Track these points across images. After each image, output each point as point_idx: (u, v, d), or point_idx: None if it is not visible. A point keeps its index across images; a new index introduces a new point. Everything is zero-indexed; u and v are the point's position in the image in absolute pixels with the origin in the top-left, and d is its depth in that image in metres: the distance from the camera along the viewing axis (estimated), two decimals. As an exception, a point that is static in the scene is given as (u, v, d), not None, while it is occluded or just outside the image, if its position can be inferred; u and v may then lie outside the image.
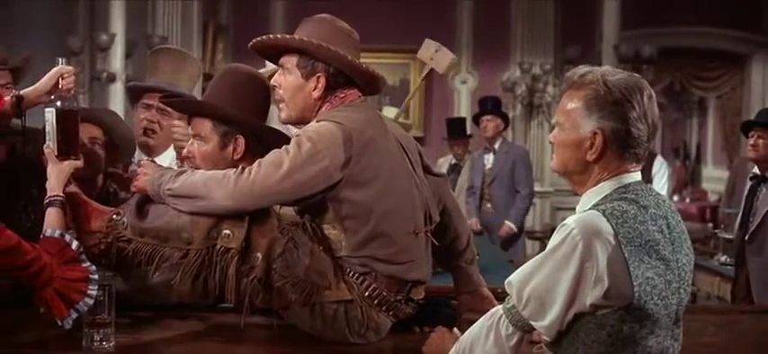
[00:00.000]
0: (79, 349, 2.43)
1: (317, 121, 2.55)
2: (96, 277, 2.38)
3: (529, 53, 10.03)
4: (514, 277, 2.05)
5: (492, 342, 2.09)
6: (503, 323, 2.08)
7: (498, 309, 2.12)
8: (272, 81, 2.71)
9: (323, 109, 2.62)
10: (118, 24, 8.58)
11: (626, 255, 1.93)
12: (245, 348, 2.58)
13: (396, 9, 9.80)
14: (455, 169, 7.54)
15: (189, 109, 2.94)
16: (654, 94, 2.07)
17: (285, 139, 2.67)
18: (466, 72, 10.35)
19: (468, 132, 7.74)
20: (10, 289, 2.84)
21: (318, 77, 2.59)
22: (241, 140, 2.71)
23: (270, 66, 2.90)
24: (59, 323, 2.33)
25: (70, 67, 2.69)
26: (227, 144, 2.72)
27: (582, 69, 2.09)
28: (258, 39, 2.67)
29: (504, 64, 10.25)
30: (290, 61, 2.62)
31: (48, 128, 2.61)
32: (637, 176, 2.07)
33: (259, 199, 2.46)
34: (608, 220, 1.95)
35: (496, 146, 7.15)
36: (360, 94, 2.67)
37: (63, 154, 2.60)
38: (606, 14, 9.76)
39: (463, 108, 10.15)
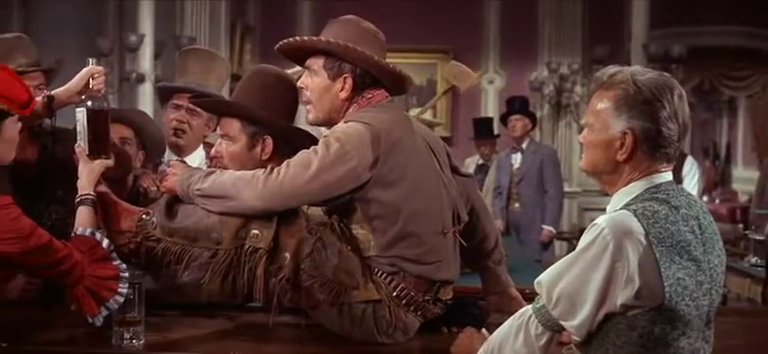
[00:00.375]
0: (109, 347, 2.45)
1: (345, 122, 2.56)
2: (127, 275, 2.40)
3: (556, 53, 9.97)
4: (544, 276, 2.04)
5: (521, 342, 2.09)
6: (532, 322, 2.07)
7: (528, 309, 2.11)
8: (298, 82, 2.72)
9: (350, 110, 2.62)
10: (146, 25, 8.64)
11: (657, 256, 1.91)
12: (273, 347, 2.59)
13: (422, 9, 9.79)
14: (482, 169, 7.53)
15: (218, 109, 2.96)
16: (684, 93, 2.05)
17: (313, 140, 2.68)
18: (493, 72, 10.32)
19: (495, 132, 7.72)
20: (41, 287, 2.89)
21: (345, 78, 2.59)
22: (269, 141, 2.73)
23: (298, 67, 2.92)
24: (90, 320, 2.35)
25: (100, 68, 2.72)
26: (256, 144, 2.73)
27: (611, 69, 2.08)
28: (285, 41, 2.68)
29: (532, 63, 10.20)
30: (316, 63, 2.63)
31: (78, 128, 2.64)
32: (668, 176, 2.06)
33: (288, 199, 2.47)
34: (639, 220, 1.94)
35: (524, 145, 7.13)
36: (387, 95, 2.67)
37: (94, 153, 2.62)
38: (635, 13, 9.68)
39: (490, 108, 10.13)
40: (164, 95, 3.65)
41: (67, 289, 2.35)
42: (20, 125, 2.39)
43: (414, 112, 7.63)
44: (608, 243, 1.92)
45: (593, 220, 2.00)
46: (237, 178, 2.49)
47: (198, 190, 2.52)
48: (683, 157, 6.65)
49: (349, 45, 2.55)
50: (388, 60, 2.65)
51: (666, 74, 2.10)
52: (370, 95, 2.62)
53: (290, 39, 2.68)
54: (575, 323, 1.99)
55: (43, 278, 2.60)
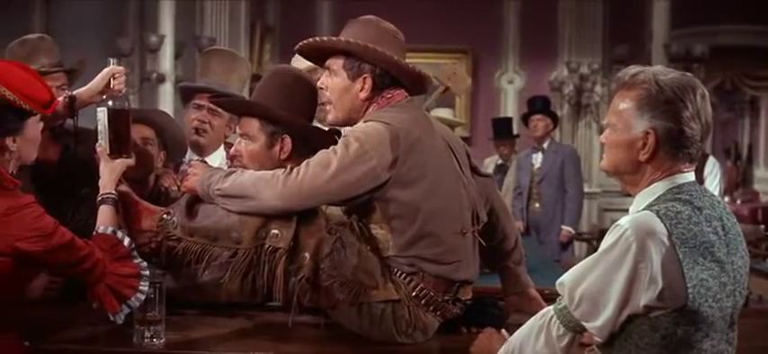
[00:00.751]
0: (130, 346, 2.47)
1: (365, 122, 2.56)
2: (147, 273, 2.41)
3: (576, 52, 9.92)
4: (567, 277, 2.04)
5: (542, 343, 2.08)
6: (554, 323, 2.06)
7: (549, 310, 2.10)
8: (318, 83, 2.73)
9: (370, 109, 2.62)
10: (167, 25, 8.67)
11: (680, 256, 1.91)
12: (292, 346, 2.59)
13: (442, 9, 9.78)
14: (501, 169, 7.52)
15: (237, 108, 2.97)
16: (707, 93, 2.05)
17: (331, 139, 2.68)
18: (513, 72, 10.29)
19: (515, 132, 7.71)
20: (62, 286, 2.92)
21: (365, 78, 2.60)
22: (288, 140, 2.73)
23: (305, 63, 2.93)
24: (112, 317, 2.37)
25: (121, 68, 2.73)
26: (275, 143, 2.74)
27: (633, 69, 2.08)
28: (304, 42, 2.69)
29: (552, 63, 10.16)
30: (336, 63, 2.63)
31: (100, 128, 2.65)
32: (690, 177, 2.05)
33: (307, 199, 2.47)
34: (662, 220, 1.93)
35: (545, 145, 7.11)
36: (406, 94, 2.67)
37: (115, 152, 2.63)
38: (656, 13, 9.62)
39: (510, 108, 10.09)
40: (185, 95, 3.67)
41: (89, 287, 2.37)
42: (42, 125, 2.41)
43: (442, 113, 7.65)
44: (631, 244, 1.92)
45: (614, 221, 2.01)
46: (257, 178, 2.50)
47: (218, 189, 2.53)
48: (704, 157, 6.60)
49: (368, 45, 2.56)
50: (407, 60, 2.65)
51: (689, 74, 2.09)
52: (389, 95, 2.62)
53: (310, 39, 2.68)
54: (597, 324, 1.98)
55: (65, 276, 2.62)
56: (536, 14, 10.11)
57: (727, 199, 11.78)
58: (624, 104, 2.05)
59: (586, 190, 8.83)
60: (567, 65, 9.88)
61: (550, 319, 2.08)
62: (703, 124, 2.01)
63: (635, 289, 1.92)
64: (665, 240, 1.91)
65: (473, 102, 10.14)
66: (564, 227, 7.03)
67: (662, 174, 2.04)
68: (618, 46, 9.58)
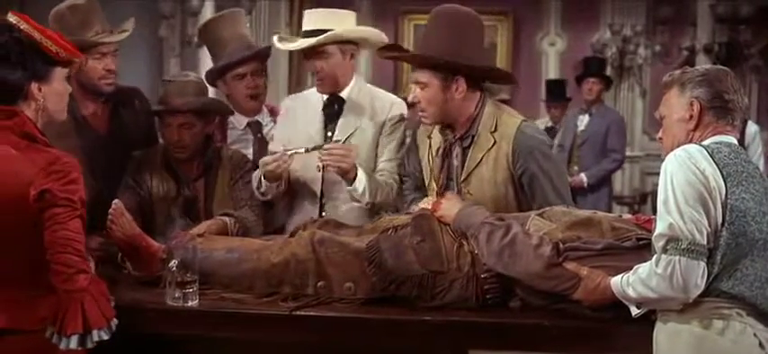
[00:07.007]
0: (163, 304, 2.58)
1: None
2: (106, 337, 2.24)
3: (619, 14, 9.75)
4: (661, 226, 2.16)
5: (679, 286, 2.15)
6: (681, 263, 2.13)
7: (664, 257, 2.16)
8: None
9: None
10: (207, -12, 8.68)
11: (724, 174, 2.15)
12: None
13: (484, -30, 9.64)
14: (550, 132, 7.40)
15: (416, 61, 3.07)
16: (737, 79, 2.37)
17: (507, 76, 3.13)
18: (554, 34, 10.13)
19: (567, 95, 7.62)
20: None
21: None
22: (461, 80, 2.90)
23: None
24: (56, 339, 2.19)
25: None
26: (449, 85, 2.91)
27: (672, 73, 2.43)
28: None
29: (594, 25, 9.97)
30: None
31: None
32: (733, 140, 2.30)
33: None
34: (702, 148, 2.20)
35: (594, 108, 7.00)
36: None
37: None
38: (701, -28, 9.41)
39: (551, 70, 9.93)
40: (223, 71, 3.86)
41: (62, 290, 2.19)
42: (68, 86, 2.44)
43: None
44: (682, 159, 2.16)
45: (655, 184, 2.14)
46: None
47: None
48: (744, 124, 6.45)
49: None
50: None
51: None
52: None
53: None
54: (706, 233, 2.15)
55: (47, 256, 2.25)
56: (578, -25, 9.94)
57: (772, 162, 11.57)
58: (669, 95, 2.39)
59: (628, 153, 8.71)
60: (610, 27, 9.74)
61: (677, 261, 2.13)
62: (740, 97, 2.31)
63: (709, 189, 2.14)
64: (709, 156, 2.17)
65: (514, 65, 10.01)
66: (581, 174, 6.79)
67: (708, 135, 2.29)
68: (662, 6, 9.42)
